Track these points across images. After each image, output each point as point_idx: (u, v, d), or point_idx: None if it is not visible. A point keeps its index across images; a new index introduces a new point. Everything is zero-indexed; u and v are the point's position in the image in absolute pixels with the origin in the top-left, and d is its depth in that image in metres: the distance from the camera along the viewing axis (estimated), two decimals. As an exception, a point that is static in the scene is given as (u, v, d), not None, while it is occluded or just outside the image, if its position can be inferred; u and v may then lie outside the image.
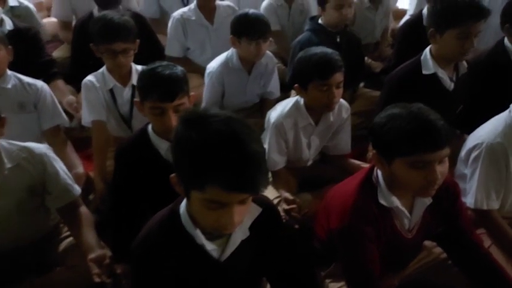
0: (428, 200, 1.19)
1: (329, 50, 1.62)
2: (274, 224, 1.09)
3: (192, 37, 2.63)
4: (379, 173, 1.18)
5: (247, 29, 1.97)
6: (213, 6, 2.61)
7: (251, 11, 2.05)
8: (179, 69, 1.40)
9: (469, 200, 1.45)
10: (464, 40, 1.62)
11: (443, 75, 1.75)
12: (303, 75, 1.60)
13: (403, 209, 1.18)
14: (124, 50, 1.79)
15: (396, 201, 1.16)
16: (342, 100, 1.77)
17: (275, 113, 1.70)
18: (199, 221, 0.95)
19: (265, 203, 1.06)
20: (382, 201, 1.15)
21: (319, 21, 2.34)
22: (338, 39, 2.32)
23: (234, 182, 0.83)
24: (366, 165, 1.45)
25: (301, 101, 1.67)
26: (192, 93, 1.45)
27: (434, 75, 1.74)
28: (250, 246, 1.04)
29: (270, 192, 1.68)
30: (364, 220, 1.14)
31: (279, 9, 2.87)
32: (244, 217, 0.94)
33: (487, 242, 1.40)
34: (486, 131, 1.43)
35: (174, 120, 1.31)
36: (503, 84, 1.98)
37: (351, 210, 1.15)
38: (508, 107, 1.47)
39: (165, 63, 1.42)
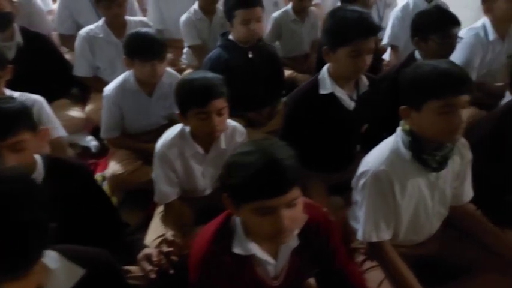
0: (293, 243, 1.07)
1: (210, 76, 1.48)
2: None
3: (101, 55, 2.46)
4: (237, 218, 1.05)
5: (140, 50, 1.82)
6: (122, 22, 2.45)
7: (143, 29, 1.91)
8: (17, 103, 1.23)
9: (358, 233, 1.35)
10: (357, 58, 1.53)
11: (342, 94, 1.65)
12: (182, 103, 1.47)
13: (264, 256, 1.06)
14: None
15: (254, 249, 1.04)
16: (235, 124, 1.65)
17: (159, 142, 1.56)
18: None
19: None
20: (236, 250, 1.02)
21: (230, 36, 2.22)
22: (250, 55, 2.21)
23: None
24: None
25: (187, 128, 1.54)
26: (43, 128, 1.28)
27: (331, 95, 1.64)
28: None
29: (153, 232, 1.55)
30: (216, 273, 1.00)
31: (198, 23, 2.74)
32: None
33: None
34: (373, 157, 1.33)
35: (12, 160, 1.15)
36: None
37: (200, 263, 1.01)
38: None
39: (3, 98, 1.25)
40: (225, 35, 2.24)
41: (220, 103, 1.44)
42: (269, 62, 2.29)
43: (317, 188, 1.78)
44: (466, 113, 1.22)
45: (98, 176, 2.07)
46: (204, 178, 1.64)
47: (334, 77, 1.64)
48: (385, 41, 3.00)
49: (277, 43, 3.07)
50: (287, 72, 2.85)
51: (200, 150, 1.55)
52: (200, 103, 1.40)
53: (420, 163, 1.28)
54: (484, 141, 1.59)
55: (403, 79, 1.26)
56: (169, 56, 3.02)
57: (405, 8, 2.88)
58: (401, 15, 2.80)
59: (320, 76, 1.67)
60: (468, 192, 1.46)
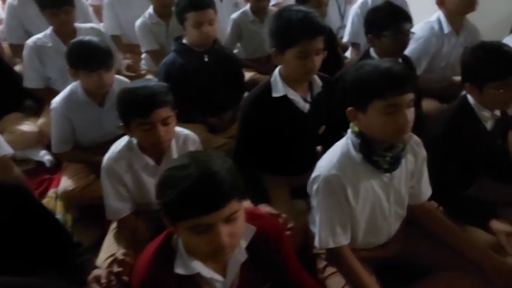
0: (242, 257, 1.02)
1: (152, 84, 1.42)
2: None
3: (51, 65, 2.35)
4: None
5: (83, 60, 1.74)
6: (71, 29, 2.35)
7: (87, 38, 1.81)
8: None
9: (315, 239, 1.31)
10: (305, 59, 1.49)
11: (295, 96, 1.61)
12: (124, 114, 1.40)
13: (210, 273, 1.00)
14: None
15: (198, 267, 0.98)
16: (187, 133, 1.60)
17: (106, 155, 1.49)
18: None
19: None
20: (179, 270, 0.97)
21: (184, 40, 2.16)
22: (206, 59, 2.15)
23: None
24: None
25: (134, 140, 1.47)
26: None
27: (285, 98, 1.60)
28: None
29: (105, 250, 1.47)
30: None
31: (154, 27, 2.66)
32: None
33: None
34: (324, 161, 1.30)
35: None
36: None
37: (140, 286, 0.95)
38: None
39: None
40: (179, 39, 2.18)
41: (165, 112, 1.37)
42: (227, 64, 2.23)
43: (278, 192, 1.75)
44: (412, 113, 1.19)
45: (51, 192, 1.97)
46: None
47: (286, 79, 1.60)
48: (345, 38, 2.99)
49: (238, 45, 3.03)
50: (249, 74, 2.81)
51: (151, 161, 1.49)
52: (142, 113, 1.34)
53: (371, 165, 1.25)
54: (439, 138, 1.58)
55: (347, 80, 1.23)
56: (128, 61, 2.96)
57: (364, 4, 2.89)
58: (360, 11, 2.81)
59: (272, 79, 1.63)
60: (426, 191, 1.45)
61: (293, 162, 1.74)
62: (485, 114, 1.57)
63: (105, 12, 3.07)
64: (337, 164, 1.25)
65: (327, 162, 1.28)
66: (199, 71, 2.13)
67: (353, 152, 1.26)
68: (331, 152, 1.31)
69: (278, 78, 1.61)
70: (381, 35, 1.87)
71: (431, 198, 1.56)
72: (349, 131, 1.30)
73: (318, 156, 1.64)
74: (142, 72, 2.88)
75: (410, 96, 1.17)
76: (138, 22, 2.66)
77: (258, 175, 1.74)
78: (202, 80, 2.15)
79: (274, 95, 1.60)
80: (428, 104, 2.31)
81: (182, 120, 2.21)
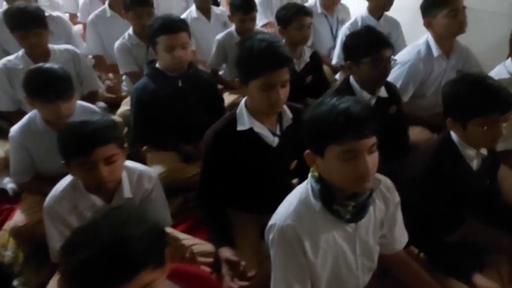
0: None
1: (95, 119, 1.28)
2: None
3: (21, 88, 2.24)
4: None
5: (39, 90, 1.63)
6: (44, 51, 2.26)
7: (46, 65, 1.71)
8: None
9: (271, 296, 1.17)
10: (269, 91, 1.37)
11: (262, 129, 1.49)
12: (63, 152, 1.28)
13: None
14: None
15: None
16: (143, 169, 1.47)
17: (49, 194, 1.37)
18: None
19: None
20: None
21: (157, 64, 2.05)
22: (180, 84, 2.04)
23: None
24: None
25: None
26: None
27: (251, 131, 1.48)
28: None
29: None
30: None
31: (134, 48, 2.57)
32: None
33: None
34: (281, 209, 1.15)
35: None
36: None
37: None
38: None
39: None
40: (152, 62, 2.08)
41: (108, 150, 1.25)
42: (203, 89, 2.12)
43: (245, 232, 1.60)
44: (375, 158, 1.06)
45: (6, 225, 1.84)
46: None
47: (252, 111, 1.48)
48: (334, 61, 2.88)
49: (224, 66, 2.93)
50: (233, 97, 2.69)
51: (98, 201, 1.36)
52: (82, 152, 1.22)
53: (332, 214, 1.11)
54: (419, 178, 1.44)
55: (304, 120, 1.10)
56: (109, 83, 2.87)
57: (353, 25, 2.78)
58: (349, 32, 2.69)
59: (238, 110, 1.51)
60: (401, 239, 1.30)
61: (262, 199, 1.59)
62: (470, 152, 1.42)
63: (88, 32, 3.01)
64: (294, 213, 1.11)
65: (284, 209, 1.14)
66: (172, 96, 2.03)
67: (312, 200, 1.12)
68: (290, 197, 1.17)
69: (244, 110, 1.49)
70: (360, 62, 1.74)
71: (411, 243, 1.42)
72: (310, 175, 1.16)
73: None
74: (123, 94, 2.79)
75: (372, 140, 1.04)
76: (117, 43, 2.58)
77: (224, 212, 1.60)
78: (175, 106, 2.04)
79: (239, 128, 1.48)
80: (417, 134, 2.16)
81: (155, 148, 2.16)
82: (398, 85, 2.19)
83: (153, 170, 1.50)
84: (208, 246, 1.50)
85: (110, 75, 2.94)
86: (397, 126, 1.96)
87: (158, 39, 1.94)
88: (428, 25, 2.17)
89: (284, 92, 1.39)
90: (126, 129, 2.34)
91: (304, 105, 2.36)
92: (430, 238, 1.45)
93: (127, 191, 1.39)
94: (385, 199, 1.21)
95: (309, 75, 2.40)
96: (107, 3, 3.00)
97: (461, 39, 2.30)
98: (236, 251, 1.47)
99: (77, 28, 3.40)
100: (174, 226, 1.81)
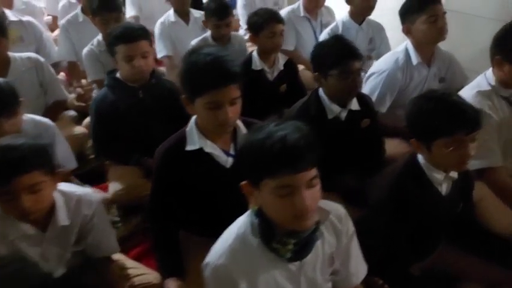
0: None
1: (18, 143, 1.14)
2: None
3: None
4: None
5: None
6: (3, 59, 2.15)
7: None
8: None
9: None
10: (216, 110, 1.25)
11: (214, 149, 1.37)
12: None
13: None
14: None
15: None
16: (81, 194, 1.34)
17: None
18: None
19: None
20: None
21: (117, 74, 1.94)
22: (141, 95, 1.93)
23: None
24: None
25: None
26: None
27: (201, 151, 1.37)
28: None
29: None
30: None
31: (102, 55, 2.45)
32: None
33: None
34: (217, 244, 1.04)
35: None
36: (319, 137, 1.67)
37: None
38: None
39: None
40: (112, 72, 1.97)
41: (31, 178, 1.13)
42: (166, 100, 1.99)
43: (198, 258, 1.48)
44: (316, 192, 0.94)
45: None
46: (48, 261, 1.33)
47: (203, 129, 1.36)
48: (314, 67, 2.75)
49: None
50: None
51: (30, 230, 1.25)
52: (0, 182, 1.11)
53: (272, 252, 1.00)
54: (382, 205, 1.32)
55: (240, 147, 0.99)
56: (80, 90, 2.76)
57: (334, 30, 2.66)
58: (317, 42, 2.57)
59: (188, 129, 1.40)
60: (358, 272, 1.18)
61: (217, 222, 1.47)
62: (437, 176, 1.30)
63: (59, 38, 2.91)
64: (229, 250, 0.99)
65: (219, 246, 1.03)
66: (133, 108, 1.92)
67: (249, 236, 1.00)
68: (228, 232, 1.05)
69: (194, 129, 1.38)
70: (327, 74, 1.63)
71: (376, 273, 1.30)
72: (250, 207, 1.05)
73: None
74: (95, 102, 2.68)
75: (311, 173, 0.92)
76: (85, 50, 2.47)
77: (175, 237, 1.49)
78: (136, 118, 1.93)
79: (189, 148, 1.36)
80: (395, 147, 2.02)
81: (116, 163, 2.06)
82: (375, 95, 2.07)
83: (95, 195, 1.38)
84: (153, 277, 1.39)
85: (83, 81, 2.84)
86: (371, 140, 1.85)
87: (117, 48, 1.83)
88: (407, 31, 2.05)
89: (234, 110, 1.28)
90: (91, 142, 2.24)
91: (279, 116, 2.26)
92: (396, 267, 1.34)
93: (63, 218, 1.28)
94: (336, 231, 1.10)
95: (283, 83, 2.28)
96: (79, 7, 2.89)
97: (448, 44, 2.18)
98: (185, 281, 1.36)
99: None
100: (129, 249, 1.72)
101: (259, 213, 1.00)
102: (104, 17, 2.38)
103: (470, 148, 1.21)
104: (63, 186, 1.32)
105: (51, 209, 1.26)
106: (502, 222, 1.57)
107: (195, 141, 1.36)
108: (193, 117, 1.40)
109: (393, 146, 2.04)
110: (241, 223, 1.04)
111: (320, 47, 1.68)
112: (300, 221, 0.93)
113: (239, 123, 1.39)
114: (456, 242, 1.48)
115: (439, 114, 1.19)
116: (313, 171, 0.92)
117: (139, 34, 1.83)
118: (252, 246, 0.99)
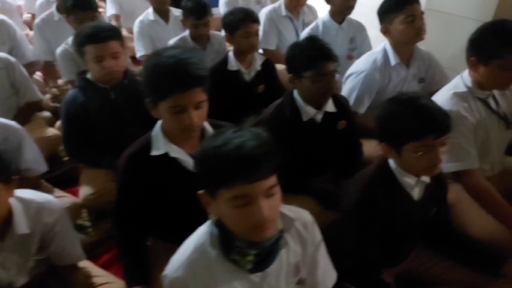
0: None
1: None
2: None
3: None
4: None
5: None
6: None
7: None
8: None
9: None
10: (180, 114, 1.21)
11: (180, 154, 1.32)
12: None
13: None
14: None
15: None
16: (43, 201, 1.29)
17: None
18: None
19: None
20: None
21: (88, 76, 1.89)
22: (113, 96, 1.88)
23: None
24: None
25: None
26: None
27: (166, 156, 1.32)
28: None
29: None
30: None
31: (77, 55, 2.37)
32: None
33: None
34: (176, 256, 1.00)
35: None
36: (294, 139, 1.64)
37: None
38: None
39: None
40: (82, 73, 1.91)
41: None
42: (140, 102, 1.93)
43: (163, 266, 1.45)
44: (275, 200, 0.90)
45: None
46: (7, 269, 1.28)
47: (168, 134, 1.32)
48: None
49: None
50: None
51: (-15, 240, 1.20)
52: None
53: (232, 263, 0.96)
54: (353, 211, 1.29)
55: (197, 153, 0.95)
56: (55, 91, 2.70)
57: (314, 29, 2.63)
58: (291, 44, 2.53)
59: (154, 133, 1.35)
60: (326, 282, 1.14)
61: (184, 228, 1.43)
62: (408, 180, 1.27)
63: (35, 37, 2.83)
64: (187, 262, 0.95)
65: (177, 258, 0.98)
66: (104, 109, 1.86)
67: (208, 247, 0.96)
68: (187, 242, 1.01)
69: (159, 133, 1.33)
70: (301, 75, 1.60)
71: (348, 279, 1.27)
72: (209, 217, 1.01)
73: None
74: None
75: (270, 181, 0.88)
76: (59, 49, 2.41)
77: (141, 245, 1.44)
78: (107, 120, 1.87)
79: (154, 153, 1.32)
80: (374, 148, 1.99)
81: (88, 166, 2.00)
82: (353, 96, 2.05)
83: (57, 202, 1.33)
84: (118, 286, 1.35)
85: (60, 81, 2.77)
86: (348, 142, 1.82)
87: (85, 49, 1.77)
88: (385, 31, 2.02)
89: (199, 114, 1.23)
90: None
91: (257, 117, 2.22)
92: (368, 273, 1.31)
93: (22, 227, 1.22)
94: (302, 239, 1.06)
95: (261, 84, 2.24)
96: (54, 5, 2.82)
97: (429, 43, 2.16)
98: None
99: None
100: (99, 255, 1.67)
101: (219, 224, 0.96)
102: (78, 16, 2.31)
103: (440, 152, 1.18)
104: (22, 193, 1.27)
105: (9, 217, 1.22)
106: (479, 225, 1.56)
107: (160, 146, 1.32)
108: (159, 121, 1.36)
109: (372, 147, 2.00)
110: (200, 234, 1.00)
111: (294, 48, 1.64)
112: (259, 232, 0.89)
113: (207, 126, 1.35)
114: (431, 247, 1.46)
115: (407, 119, 1.16)
116: (272, 180, 0.88)
117: (108, 34, 1.77)
118: (211, 258, 0.95)
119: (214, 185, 0.89)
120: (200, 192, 0.95)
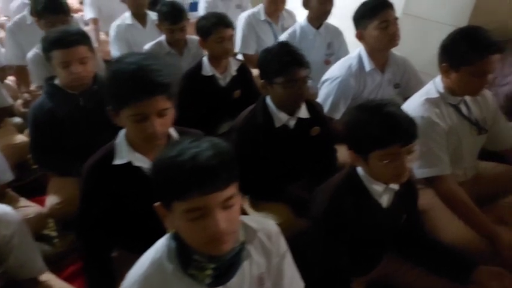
0: None
1: None
2: None
3: None
4: None
5: None
6: None
7: None
8: None
9: None
10: (142, 123, 1.17)
11: (143, 163, 1.28)
12: None
13: None
14: None
15: None
16: (1, 213, 1.24)
17: None
18: None
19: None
20: None
21: (56, 81, 1.83)
22: (81, 102, 1.83)
23: None
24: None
25: None
26: None
27: (130, 165, 1.28)
28: None
29: None
30: None
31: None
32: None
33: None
34: (132, 270, 0.96)
35: None
36: (267, 146, 1.63)
37: None
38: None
39: None
40: (50, 79, 1.85)
41: None
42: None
43: None
44: (234, 212, 0.87)
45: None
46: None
47: (131, 142, 1.28)
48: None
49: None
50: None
51: None
52: None
53: (190, 277, 0.92)
54: (320, 219, 1.27)
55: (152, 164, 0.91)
56: (26, 96, 2.64)
57: (291, 34, 2.61)
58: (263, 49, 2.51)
59: (117, 141, 1.31)
60: (292, 291, 1.12)
61: (151, 238, 1.39)
62: (377, 188, 1.26)
63: (7, 40, 2.76)
64: (143, 277, 0.91)
65: (134, 272, 0.94)
66: (72, 116, 1.81)
67: (165, 261, 0.93)
68: (144, 257, 0.97)
69: (123, 141, 1.29)
70: (273, 81, 1.58)
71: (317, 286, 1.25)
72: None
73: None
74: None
75: (227, 192, 0.85)
76: (30, 54, 2.35)
77: (105, 257, 1.39)
78: (76, 127, 1.81)
79: (117, 162, 1.28)
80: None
81: (57, 174, 1.94)
82: (328, 102, 2.03)
83: (14, 214, 1.27)
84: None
85: (33, 87, 2.70)
86: (322, 149, 1.80)
87: (51, 54, 1.72)
88: (360, 37, 2.01)
89: (163, 122, 1.20)
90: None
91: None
92: (337, 283, 1.29)
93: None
94: (266, 251, 1.03)
95: (237, 89, 2.21)
96: (26, 9, 2.75)
97: (405, 48, 2.16)
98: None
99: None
100: (65, 267, 1.61)
101: (176, 237, 0.92)
102: (49, 19, 2.26)
103: (407, 160, 1.17)
104: (-22, 205, 1.22)
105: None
106: (450, 232, 1.55)
107: (123, 154, 1.28)
108: (123, 130, 1.32)
109: (347, 153, 2.00)
110: (158, 247, 0.97)
111: (266, 54, 1.62)
112: (216, 245, 0.86)
113: (173, 133, 1.32)
114: (402, 254, 1.45)
115: (372, 126, 1.14)
116: (230, 191, 0.85)
117: (75, 39, 1.72)
118: (168, 272, 0.92)
119: (169, 197, 0.85)
120: (156, 204, 0.92)
